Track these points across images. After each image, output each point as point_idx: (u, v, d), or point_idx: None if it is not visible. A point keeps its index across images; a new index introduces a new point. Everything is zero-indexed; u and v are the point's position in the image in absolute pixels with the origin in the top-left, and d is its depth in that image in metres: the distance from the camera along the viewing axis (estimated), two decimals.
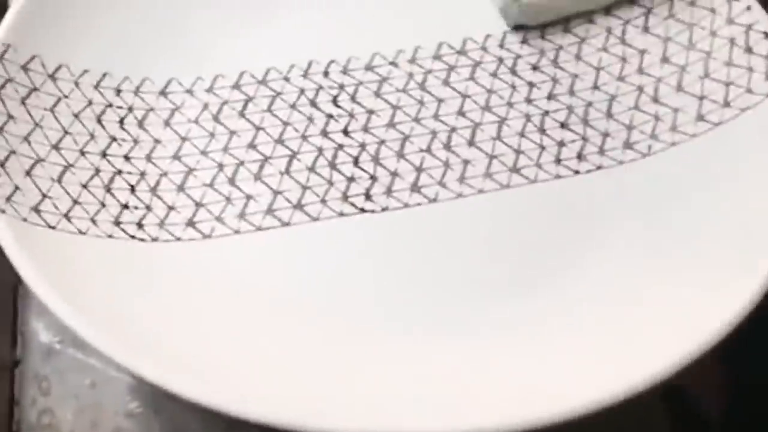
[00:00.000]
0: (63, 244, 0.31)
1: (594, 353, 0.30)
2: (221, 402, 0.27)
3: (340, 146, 0.36)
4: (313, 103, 0.38)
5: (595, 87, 0.38)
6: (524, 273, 0.34)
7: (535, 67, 0.39)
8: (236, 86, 0.38)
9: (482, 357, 0.31)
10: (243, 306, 0.32)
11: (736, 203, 0.33)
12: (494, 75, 0.39)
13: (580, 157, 0.36)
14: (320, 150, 0.36)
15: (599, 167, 0.36)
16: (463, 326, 0.32)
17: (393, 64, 0.39)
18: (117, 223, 0.33)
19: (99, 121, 0.36)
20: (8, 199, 0.31)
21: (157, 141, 0.36)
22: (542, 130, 0.37)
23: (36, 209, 0.32)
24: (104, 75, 0.37)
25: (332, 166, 0.36)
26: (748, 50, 0.37)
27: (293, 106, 0.37)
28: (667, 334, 0.29)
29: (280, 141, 0.36)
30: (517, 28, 0.40)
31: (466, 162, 0.36)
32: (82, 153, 0.35)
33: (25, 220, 0.31)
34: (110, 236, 0.33)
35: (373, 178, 0.36)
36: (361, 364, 0.30)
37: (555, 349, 0.30)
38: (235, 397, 0.27)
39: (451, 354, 0.31)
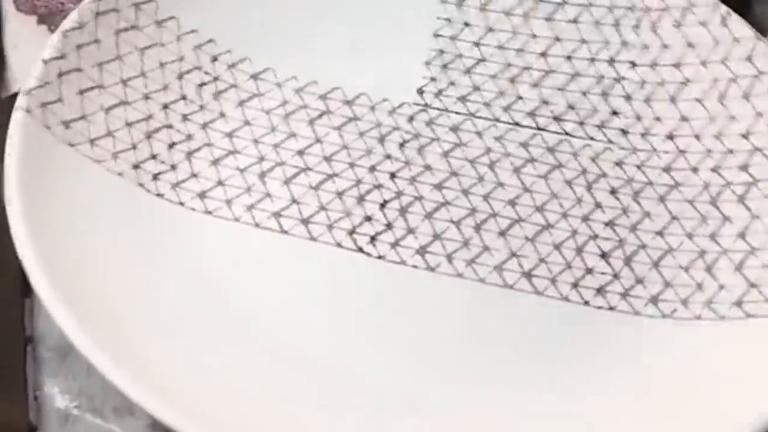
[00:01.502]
0: (69, 171, 0.33)
1: None
2: None
3: (379, 185, 0.36)
4: (380, 139, 0.38)
5: (660, 234, 0.35)
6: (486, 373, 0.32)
7: (613, 191, 0.37)
8: (323, 97, 0.39)
9: None
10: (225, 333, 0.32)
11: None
12: (568, 183, 0.37)
13: (599, 290, 0.34)
14: (358, 182, 0.36)
15: (611, 308, 0.33)
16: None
17: (478, 134, 0.38)
18: (135, 166, 0.35)
19: (180, 77, 0.37)
20: (44, 104, 0.33)
21: (221, 114, 0.37)
22: (579, 251, 0.35)
23: (66, 123, 0.34)
24: (209, 40, 0.38)
25: (359, 199, 0.36)
26: None
27: (361, 135, 0.38)
28: None
29: (328, 159, 0.37)
30: None
31: (485, 248, 0.35)
32: (146, 97, 0.36)
33: (48, 127, 0.33)
34: (119, 174, 0.34)
35: (389, 226, 0.35)
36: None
37: None
38: None
39: None
